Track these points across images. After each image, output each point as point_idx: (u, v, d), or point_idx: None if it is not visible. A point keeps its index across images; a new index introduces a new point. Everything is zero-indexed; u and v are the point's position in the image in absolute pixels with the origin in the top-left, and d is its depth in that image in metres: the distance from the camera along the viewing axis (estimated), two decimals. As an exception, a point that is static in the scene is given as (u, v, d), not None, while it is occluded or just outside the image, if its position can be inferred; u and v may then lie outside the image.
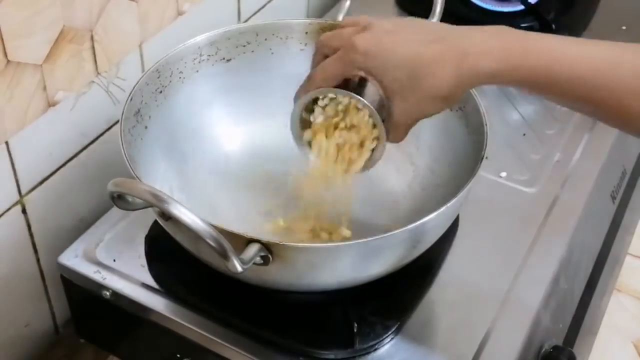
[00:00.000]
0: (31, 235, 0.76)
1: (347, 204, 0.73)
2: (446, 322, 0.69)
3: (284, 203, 0.76)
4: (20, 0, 0.64)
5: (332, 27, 0.80)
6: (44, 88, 0.70)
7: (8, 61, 0.65)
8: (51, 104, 0.72)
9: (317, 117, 0.66)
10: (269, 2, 1.02)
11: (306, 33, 0.81)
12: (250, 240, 0.56)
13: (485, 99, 0.70)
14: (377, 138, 0.64)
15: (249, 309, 0.67)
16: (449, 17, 0.81)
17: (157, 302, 0.68)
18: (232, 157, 0.80)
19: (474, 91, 0.71)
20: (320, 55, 0.64)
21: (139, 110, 0.71)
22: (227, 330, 0.66)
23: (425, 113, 0.61)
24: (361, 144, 0.66)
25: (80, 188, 0.80)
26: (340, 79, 0.62)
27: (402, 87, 0.59)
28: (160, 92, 0.74)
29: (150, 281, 0.69)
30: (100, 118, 0.80)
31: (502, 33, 0.58)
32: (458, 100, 0.61)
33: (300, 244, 0.63)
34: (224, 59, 0.79)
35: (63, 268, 0.71)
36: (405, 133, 0.63)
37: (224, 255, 0.54)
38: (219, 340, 0.65)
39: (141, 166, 0.67)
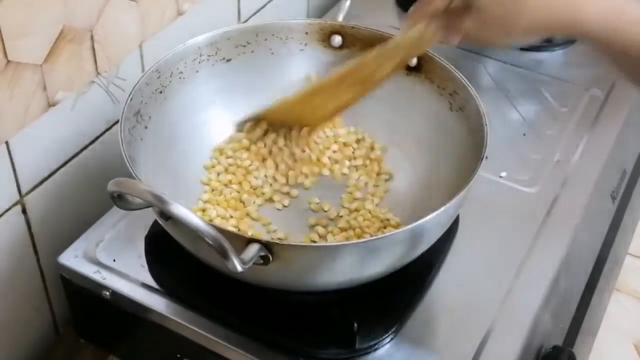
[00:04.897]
0: (31, 235, 0.76)
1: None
2: (446, 322, 0.69)
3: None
4: (20, 0, 0.64)
5: (332, 27, 0.81)
6: (44, 88, 0.70)
7: (8, 61, 0.65)
8: (51, 104, 0.72)
9: None
10: (269, 2, 1.02)
11: (306, 33, 0.81)
12: (250, 240, 0.56)
13: (485, 99, 0.70)
14: None
15: (249, 309, 0.67)
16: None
17: (157, 302, 0.68)
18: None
19: (473, 91, 0.71)
20: None
21: (139, 110, 0.71)
22: (227, 330, 0.66)
23: (490, 39, 0.63)
24: None
25: (80, 188, 0.80)
26: None
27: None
28: (160, 92, 0.74)
29: (150, 281, 0.69)
30: (100, 118, 0.80)
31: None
32: (525, 39, 0.63)
33: (300, 244, 0.63)
34: (224, 59, 0.79)
35: (63, 268, 0.71)
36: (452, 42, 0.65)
37: (224, 255, 0.54)
38: (219, 340, 0.65)
39: (141, 166, 0.67)
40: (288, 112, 0.76)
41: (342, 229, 0.72)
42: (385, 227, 0.73)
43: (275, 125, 0.78)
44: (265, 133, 0.78)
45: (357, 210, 0.75)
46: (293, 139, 0.77)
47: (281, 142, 0.78)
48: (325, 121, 0.79)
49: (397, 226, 0.73)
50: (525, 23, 0.59)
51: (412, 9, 0.66)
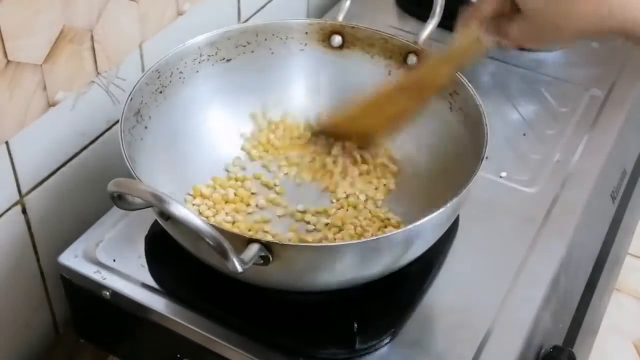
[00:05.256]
0: (31, 235, 0.76)
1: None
2: (446, 322, 0.69)
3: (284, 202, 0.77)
4: (20, 0, 0.64)
5: (332, 27, 0.81)
6: (44, 88, 0.70)
7: (8, 61, 0.65)
8: (51, 104, 0.72)
9: None
10: (269, 2, 1.02)
11: (306, 33, 0.81)
12: (251, 240, 0.56)
13: (485, 99, 0.70)
14: None
15: (249, 309, 0.67)
16: (449, 17, 0.81)
17: (157, 302, 0.68)
18: (232, 157, 0.80)
19: (473, 91, 0.71)
20: None
21: (139, 110, 0.71)
22: (227, 330, 0.66)
23: (540, 42, 0.63)
24: None
25: (80, 188, 0.80)
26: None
27: (533, 3, 0.58)
28: (160, 92, 0.74)
29: (150, 281, 0.69)
30: (100, 118, 0.80)
31: None
32: (573, 43, 0.63)
33: (300, 244, 0.63)
34: (224, 59, 0.79)
35: (63, 268, 0.71)
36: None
37: (224, 256, 0.54)
38: (219, 340, 0.65)
39: (141, 166, 0.67)
40: (351, 122, 0.77)
41: (340, 228, 0.73)
42: (385, 227, 0.73)
43: (337, 135, 0.78)
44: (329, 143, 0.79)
45: (356, 208, 0.75)
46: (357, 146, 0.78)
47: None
48: (388, 129, 0.78)
49: (397, 225, 0.73)
50: (576, 27, 0.57)
51: (462, 13, 0.65)
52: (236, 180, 0.77)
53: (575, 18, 0.56)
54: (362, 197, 0.76)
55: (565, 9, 0.56)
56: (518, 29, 0.60)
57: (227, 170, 0.79)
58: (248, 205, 0.75)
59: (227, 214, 0.73)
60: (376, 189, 0.78)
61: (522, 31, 0.60)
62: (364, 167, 0.78)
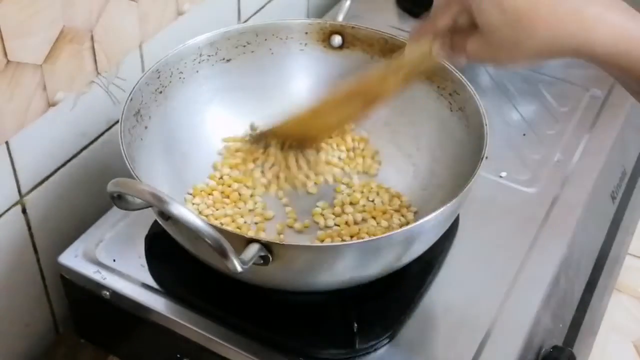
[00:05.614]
0: (31, 235, 0.76)
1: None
2: (446, 322, 0.69)
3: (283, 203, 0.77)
4: (20, 0, 0.64)
5: (332, 27, 0.81)
6: (44, 88, 0.70)
7: (8, 61, 0.65)
8: (51, 104, 0.72)
9: None
10: (269, 2, 1.02)
11: (306, 33, 0.81)
12: (250, 240, 0.56)
13: (485, 99, 0.70)
14: None
15: (249, 309, 0.67)
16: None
17: (157, 302, 0.68)
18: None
19: (473, 91, 0.71)
20: None
21: (139, 110, 0.71)
22: (227, 330, 0.66)
23: (497, 60, 0.58)
24: None
25: (80, 188, 0.80)
26: (447, 11, 0.60)
27: (492, 21, 0.55)
28: (160, 92, 0.74)
29: (150, 281, 0.69)
30: (100, 118, 0.80)
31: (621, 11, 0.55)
32: (540, 62, 0.59)
33: (300, 244, 0.63)
34: (223, 59, 0.79)
35: (63, 268, 0.71)
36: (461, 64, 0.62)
37: (224, 255, 0.54)
38: (219, 340, 0.65)
39: (141, 166, 0.67)
40: (296, 127, 0.75)
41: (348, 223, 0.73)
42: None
43: (282, 138, 0.76)
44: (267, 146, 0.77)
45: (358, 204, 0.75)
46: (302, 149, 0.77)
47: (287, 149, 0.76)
48: (332, 132, 0.80)
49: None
50: (533, 47, 0.55)
51: (415, 25, 0.63)
52: (236, 179, 0.77)
53: (533, 38, 0.54)
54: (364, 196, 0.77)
55: (522, 28, 0.54)
56: (475, 45, 0.58)
57: (227, 170, 0.79)
58: (248, 204, 0.75)
59: (226, 213, 0.73)
60: (377, 192, 0.78)
61: (478, 48, 0.57)
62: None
